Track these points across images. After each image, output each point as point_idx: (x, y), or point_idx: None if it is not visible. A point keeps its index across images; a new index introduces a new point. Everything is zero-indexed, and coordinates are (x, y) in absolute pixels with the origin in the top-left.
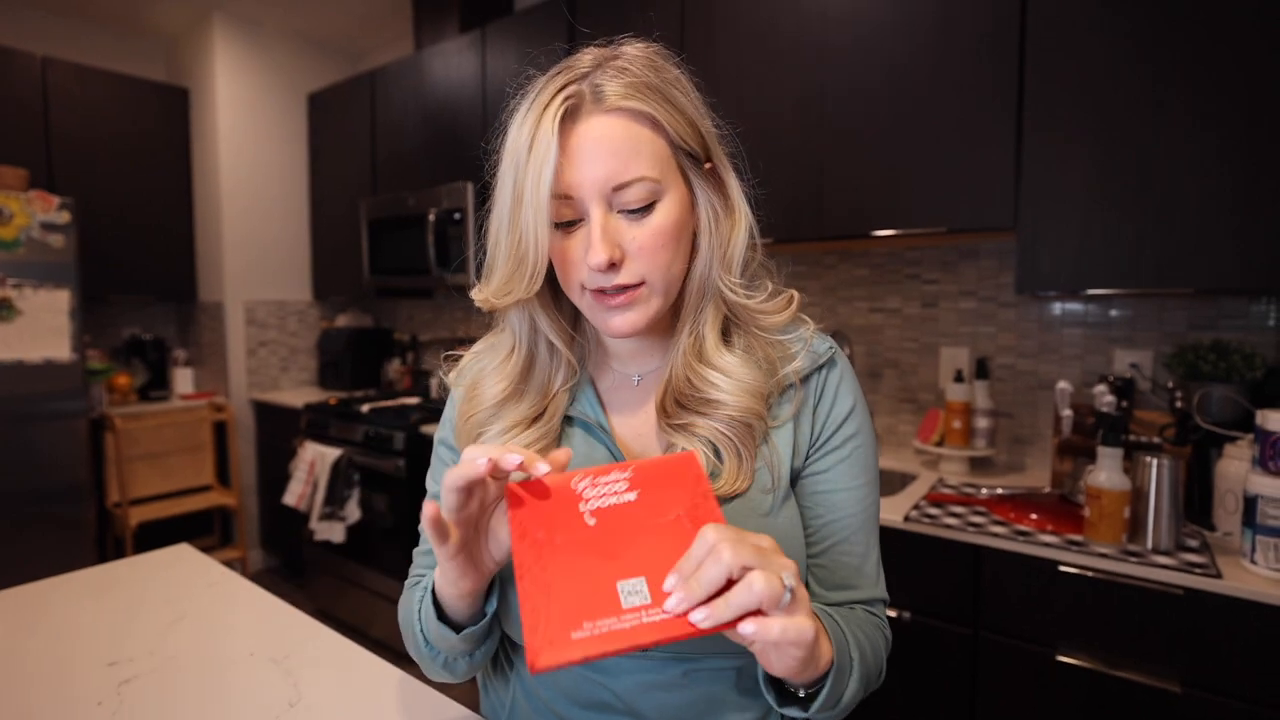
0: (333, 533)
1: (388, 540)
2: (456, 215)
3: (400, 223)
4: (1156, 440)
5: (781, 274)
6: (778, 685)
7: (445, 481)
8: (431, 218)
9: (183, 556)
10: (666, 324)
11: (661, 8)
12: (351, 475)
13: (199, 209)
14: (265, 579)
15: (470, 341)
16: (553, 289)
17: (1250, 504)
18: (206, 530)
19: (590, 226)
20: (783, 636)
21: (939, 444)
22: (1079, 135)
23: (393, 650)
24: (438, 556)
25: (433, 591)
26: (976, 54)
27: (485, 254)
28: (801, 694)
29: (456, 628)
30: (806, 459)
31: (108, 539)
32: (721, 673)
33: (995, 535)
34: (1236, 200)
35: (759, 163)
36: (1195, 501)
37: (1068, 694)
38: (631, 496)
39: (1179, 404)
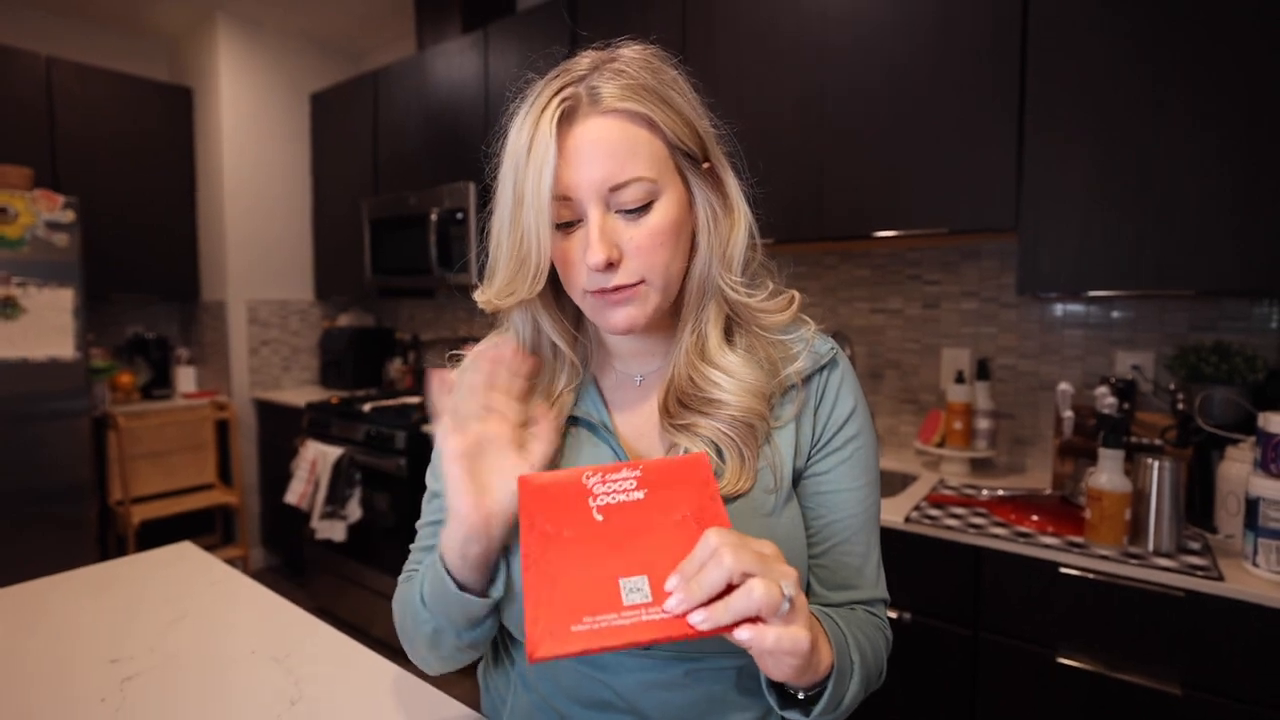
0: (334, 531)
1: (389, 539)
2: (459, 215)
3: (402, 222)
4: (1158, 442)
5: (782, 274)
6: (779, 688)
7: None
8: (433, 218)
9: (184, 555)
10: (668, 324)
11: (662, 8)
12: (353, 474)
13: (202, 208)
14: (266, 577)
15: (474, 340)
16: (555, 290)
17: (1252, 506)
18: (208, 529)
19: (588, 227)
20: (777, 645)
21: (940, 445)
22: (1079, 135)
23: (393, 649)
24: (447, 479)
25: (440, 556)
26: (977, 54)
27: (487, 256)
28: (802, 696)
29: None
30: (808, 460)
31: (109, 537)
32: (723, 672)
33: (996, 537)
34: (1237, 200)
35: (759, 163)
36: (1197, 504)
37: (1068, 695)
38: (640, 495)
39: (1180, 406)
